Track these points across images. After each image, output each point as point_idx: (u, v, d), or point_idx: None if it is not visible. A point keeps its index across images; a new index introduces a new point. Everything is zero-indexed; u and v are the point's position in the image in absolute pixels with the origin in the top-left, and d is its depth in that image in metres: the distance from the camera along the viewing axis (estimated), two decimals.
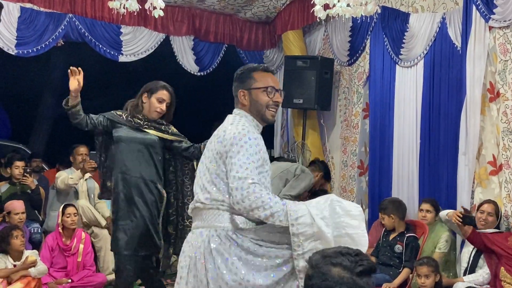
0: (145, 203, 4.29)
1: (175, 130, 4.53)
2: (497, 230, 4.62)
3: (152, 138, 4.37)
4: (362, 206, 6.35)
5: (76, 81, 4.22)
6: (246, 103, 2.91)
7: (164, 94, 4.35)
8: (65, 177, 5.89)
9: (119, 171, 4.33)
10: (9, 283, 4.78)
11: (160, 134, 4.41)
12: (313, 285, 1.53)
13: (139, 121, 4.37)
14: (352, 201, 6.51)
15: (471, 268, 4.64)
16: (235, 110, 2.96)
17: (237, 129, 2.77)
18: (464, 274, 4.70)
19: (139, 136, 4.34)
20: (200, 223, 2.83)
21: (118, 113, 4.43)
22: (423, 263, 4.51)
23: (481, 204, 4.73)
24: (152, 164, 4.37)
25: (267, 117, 2.92)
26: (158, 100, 4.33)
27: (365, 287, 1.50)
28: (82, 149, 6.25)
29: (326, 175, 6.60)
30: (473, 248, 4.66)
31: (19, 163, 6.05)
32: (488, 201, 4.72)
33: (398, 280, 4.77)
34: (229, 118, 2.93)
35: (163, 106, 4.35)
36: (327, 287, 1.51)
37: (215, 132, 2.90)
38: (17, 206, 5.45)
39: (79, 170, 5.87)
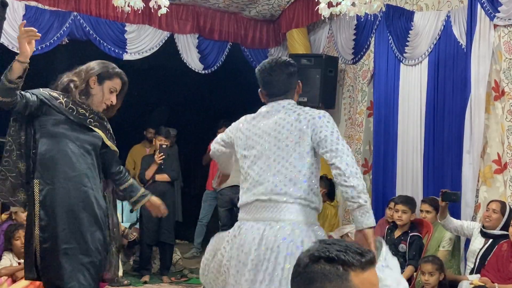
0: (95, 221, 3.31)
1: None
2: (504, 232, 4.57)
3: (99, 138, 3.41)
4: None
5: (31, 42, 3.11)
6: (300, 91, 3.11)
7: (118, 83, 3.44)
8: None
9: (58, 178, 3.25)
10: (14, 281, 4.80)
11: (104, 136, 3.44)
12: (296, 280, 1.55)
13: (84, 112, 3.35)
14: None
15: (478, 269, 4.62)
16: (290, 101, 3.02)
17: (315, 110, 2.94)
18: (470, 274, 4.69)
19: (86, 134, 3.36)
20: (269, 215, 2.85)
21: (53, 94, 3.31)
22: (427, 261, 4.51)
23: (488, 203, 4.73)
24: (97, 172, 3.41)
25: None
26: (110, 90, 3.41)
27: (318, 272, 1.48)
28: None
29: (330, 194, 6.27)
30: (480, 249, 4.63)
31: None
32: (496, 200, 4.71)
33: None
34: (291, 103, 3.01)
35: (115, 98, 3.43)
36: (295, 272, 1.53)
37: (277, 122, 2.93)
38: None
39: None
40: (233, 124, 3.16)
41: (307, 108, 2.95)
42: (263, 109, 3.05)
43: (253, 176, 2.90)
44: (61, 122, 3.27)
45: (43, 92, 3.30)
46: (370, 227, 2.77)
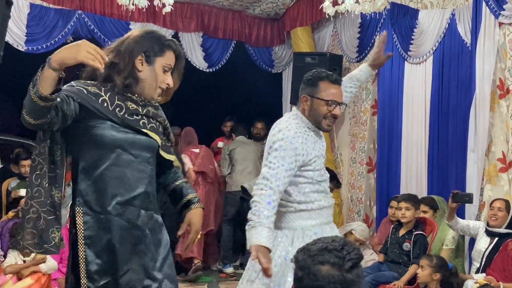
0: (157, 250, 2.53)
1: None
2: (509, 231, 4.56)
3: (156, 143, 2.57)
4: (370, 203, 6.36)
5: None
6: (306, 108, 3.04)
7: (172, 58, 2.56)
8: None
9: (111, 202, 2.40)
10: (19, 279, 4.82)
11: (159, 140, 2.58)
12: (305, 286, 1.55)
13: (135, 107, 2.49)
14: (361, 198, 6.56)
15: (484, 268, 4.61)
16: (294, 110, 3.12)
17: (279, 131, 2.96)
18: (476, 273, 4.68)
19: (141, 137, 2.50)
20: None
21: (92, 90, 2.41)
22: (422, 258, 4.58)
23: (492, 202, 4.71)
24: (155, 186, 2.59)
25: (323, 126, 3.06)
26: (164, 69, 2.53)
27: (355, 280, 1.52)
28: None
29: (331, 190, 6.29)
30: (486, 249, 4.61)
31: (25, 162, 6.06)
32: (499, 199, 4.70)
33: (406, 277, 4.77)
34: (285, 115, 3.10)
35: (171, 79, 2.55)
36: (318, 287, 1.52)
37: None
38: None
39: None
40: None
41: (277, 127, 3.01)
42: None
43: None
44: (107, 126, 2.42)
45: (79, 88, 2.41)
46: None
